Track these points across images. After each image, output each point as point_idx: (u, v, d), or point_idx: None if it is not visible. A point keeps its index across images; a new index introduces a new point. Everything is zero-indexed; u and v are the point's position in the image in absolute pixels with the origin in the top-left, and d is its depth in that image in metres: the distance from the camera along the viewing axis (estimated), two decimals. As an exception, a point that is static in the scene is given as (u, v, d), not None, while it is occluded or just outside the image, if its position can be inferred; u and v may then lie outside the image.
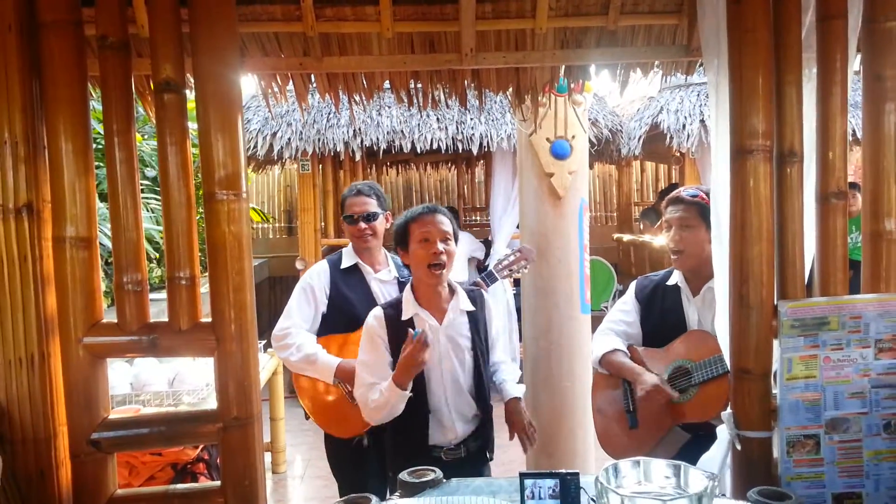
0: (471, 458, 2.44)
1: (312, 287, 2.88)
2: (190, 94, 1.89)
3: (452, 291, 2.46)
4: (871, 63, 1.86)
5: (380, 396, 2.28)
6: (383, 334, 2.38)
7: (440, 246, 2.32)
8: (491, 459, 2.56)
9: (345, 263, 2.93)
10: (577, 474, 1.44)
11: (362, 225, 2.88)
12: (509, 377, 2.58)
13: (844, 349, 1.80)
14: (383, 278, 2.94)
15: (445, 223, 2.38)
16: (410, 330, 2.26)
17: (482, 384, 2.45)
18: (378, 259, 2.98)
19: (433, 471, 1.73)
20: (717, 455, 1.96)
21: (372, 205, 2.91)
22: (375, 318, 2.41)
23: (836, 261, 1.84)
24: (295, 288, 2.94)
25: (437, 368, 2.38)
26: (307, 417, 2.92)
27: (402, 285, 2.91)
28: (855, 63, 1.95)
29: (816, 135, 1.87)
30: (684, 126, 6.24)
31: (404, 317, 2.38)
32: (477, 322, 2.48)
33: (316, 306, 2.88)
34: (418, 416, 2.35)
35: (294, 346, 2.78)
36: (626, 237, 8.45)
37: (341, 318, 2.86)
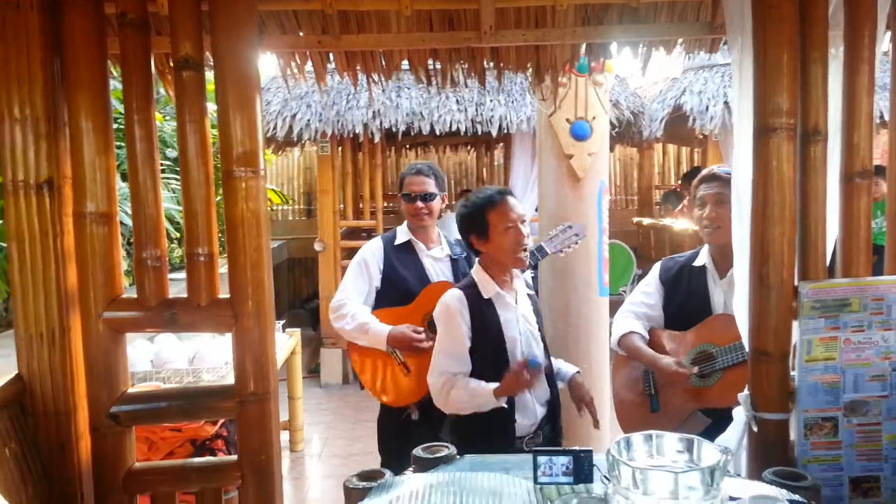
0: (546, 443, 2.38)
1: (367, 262, 2.97)
2: (210, 75, 1.89)
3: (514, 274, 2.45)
4: (900, 40, 1.82)
5: (469, 398, 2.24)
6: (465, 313, 2.31)
7: (524, 230, 2.30)
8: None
9: (399, 240, 3.01)
10: (591, 451, 1.44)
11: (419, 204, 2.94)
12: (559, 358, 2.60)
13: (865, 331, 1.77)
14: (436, 255, 3.01)
15: (518, 206, 2.34)
16: (523, 356, 2.28)
17: (551, 364, 2.47)
18: (432, 237, 3.05)
19: (447, 447, 1.74)
20: (733, 436, 1.94)
21: (430, 185, 2.97)
22: (456, 298, 2.34)
23: (860, 242, 1.81)
24: (350, 263, 3.04)
25: (520, 350, 2.34)
26: (362, 388, 3.00)
27: (454, 262, 3.01)
28: (884, 42, 1.90)
29: (842, 114, 1.83)
30: (707, 108, 6.14)
31: (486, 296, 2.34)
32: (536, 303, 2.53)
33: (370, 281, 2.96)
34: (504, 409, 2.27)
35: (349, 315, 2.87)
36: (647, 221, 8.38)
37: (394, 292, 2.94)
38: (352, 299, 2.92)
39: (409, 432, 2.85)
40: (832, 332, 1.77)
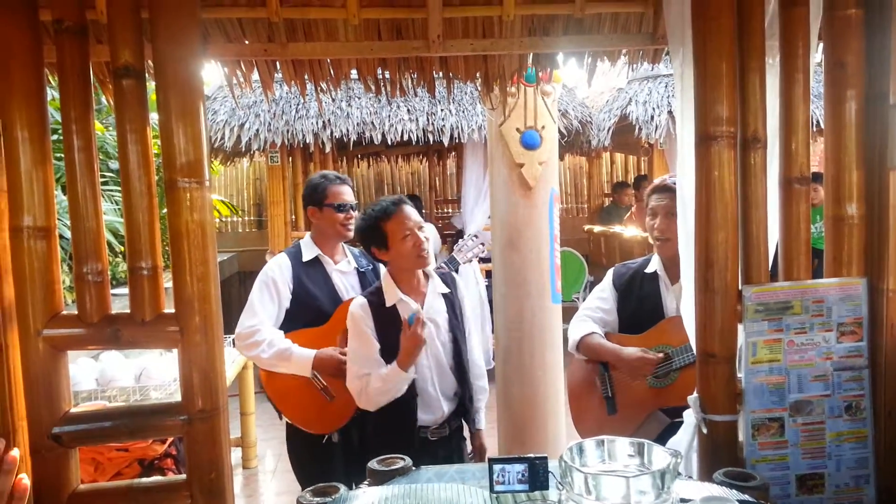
0: (453, 435, 2.57)
1: (275, 281, 2.81)
2: (152, 84, 1.85)
3: (427, 276, 2.59)
4: (832, 50, 1.88)
5: (382, 384, 2.38)
6: (370, 322, 2.47)
7: (420, 235, 2.46)
8: (470, 434, 2.70)
9: (306, 256, 2.88)
10: (546, 458, 1.44)
11: (351, 213, 2.89)
12: (481, 405, 2.70)
13: (808, 333, 1.82)
14: (343, 269, 2.92)
15: (413, 212, 2.52)
16: (404, 316, 2.40)
17: (462, 362, 2.58)
18: (338, 250, 2.95)
19: (402, 458, 1.72)
20: (684, 439, 1.98)
21: (352, 194, 2.95)
22: (360, 307, 2.49)
23: (800, 245, 1.87)
24: (255, 284, 2.85)
25: (422, 352, 2.46)
26: (281, 418, 2.88)
27: (361, 275, 2.92)
28: (817, 51, 1.97)
29: (780, 121, 1.89)
30: (653, 117, 6.30)
31: (388, 304, 2.48)
32: (452, 303, 2.62)
33: (279, 302, 2.81)
34: (406, 398, 2.45)
35: (264, 342, 2.72)
36: (597, 228, 8.51)
37: (305, 312, 2.81)
38: (264, 324, 2.75)
39: (328, 455, 2.77)
40: (776, 334, 1.82)
